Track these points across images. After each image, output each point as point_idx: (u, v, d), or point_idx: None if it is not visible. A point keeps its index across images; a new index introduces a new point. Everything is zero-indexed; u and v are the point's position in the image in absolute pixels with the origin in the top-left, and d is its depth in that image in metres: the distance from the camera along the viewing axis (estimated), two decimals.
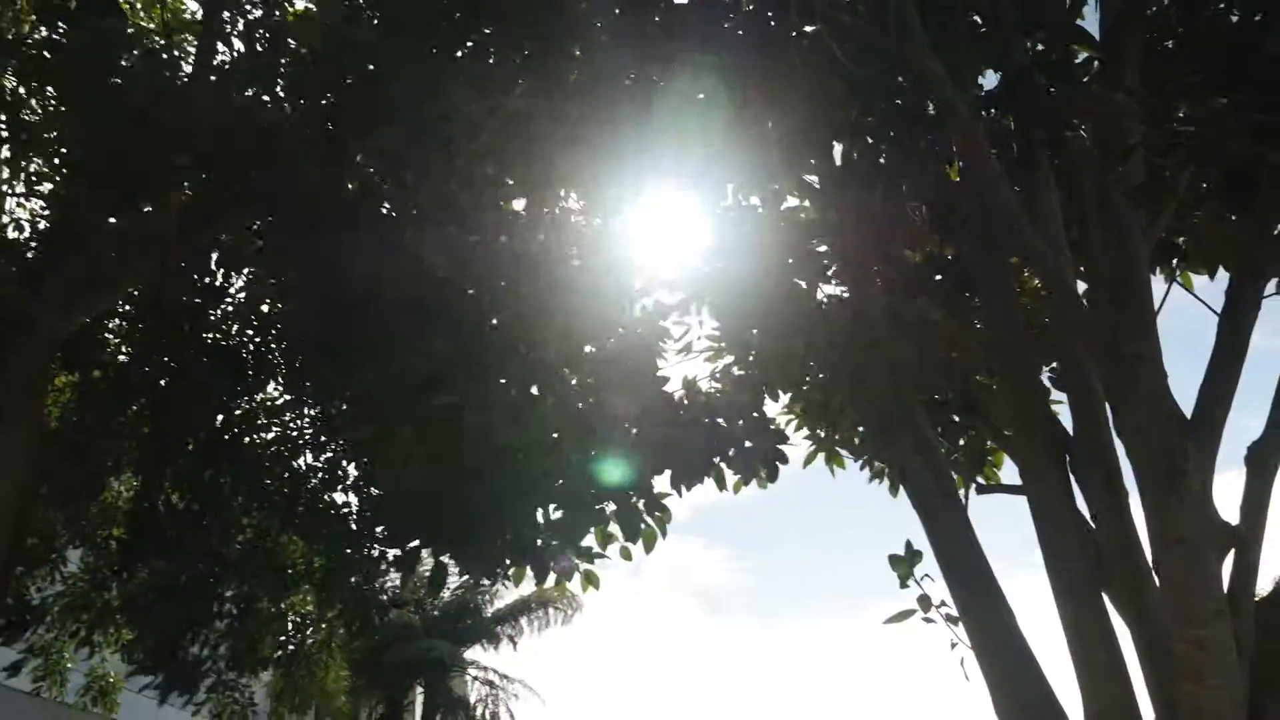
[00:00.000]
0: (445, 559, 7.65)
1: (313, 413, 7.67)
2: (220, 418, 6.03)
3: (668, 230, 7.36)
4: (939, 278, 6.71)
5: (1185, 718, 4.33)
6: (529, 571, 7.53)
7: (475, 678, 21.38)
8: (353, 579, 7.33)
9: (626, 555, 7.61)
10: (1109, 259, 4.89)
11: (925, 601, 5.71)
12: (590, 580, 7.80)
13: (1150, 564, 4.86)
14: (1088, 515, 5.23)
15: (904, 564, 5.52)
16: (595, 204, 6.73)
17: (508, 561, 7.69)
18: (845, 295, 7.15)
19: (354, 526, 6.89)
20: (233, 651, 7.14)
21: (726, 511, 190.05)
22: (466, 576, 21.22)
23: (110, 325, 5.99)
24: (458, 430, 5.85)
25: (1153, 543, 4.73)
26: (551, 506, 7.38)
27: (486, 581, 7.07)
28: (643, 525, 7.51)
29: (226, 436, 6.08)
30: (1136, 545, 4.94)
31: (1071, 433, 5.40)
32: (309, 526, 6.84)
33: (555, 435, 6.53)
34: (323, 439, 7.67)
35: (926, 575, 5.66)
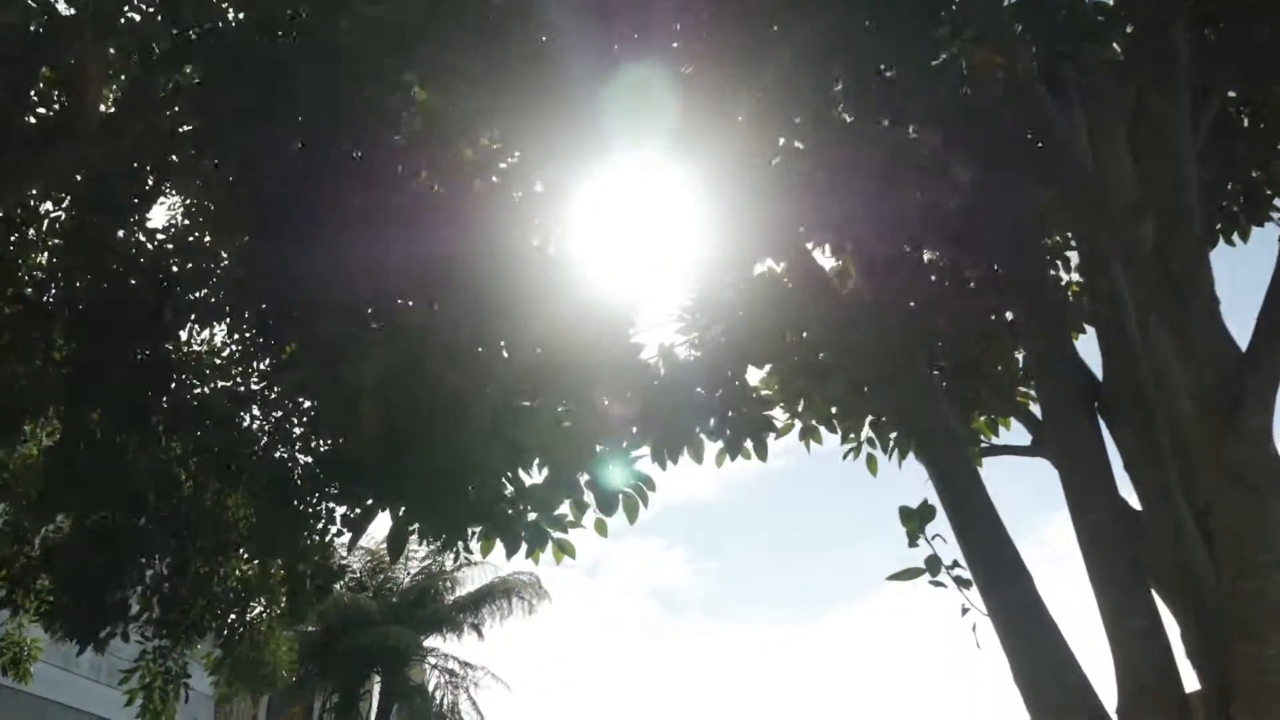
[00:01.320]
0: (404, 520, 7.06)
1: (264, 365, 7.03)
2: (151, 350, 5.38)
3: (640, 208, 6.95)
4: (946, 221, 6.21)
5: (1242, 683, 3.80)
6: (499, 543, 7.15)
7: (435, 665, 20.72)
8: (297, 540, 6.70)
9: (601, 529, 7.17)
10: (1152, 165, 4.36)
11: (935, 563, 5.16)
12: (565, 550, 7.36)
13: (1193, 515, 4.35)
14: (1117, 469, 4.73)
15: (914, 519, 4.96)
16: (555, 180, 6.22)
17: (474, 531, 7.24)
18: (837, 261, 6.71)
19: (299, 482, 6.23)
20: (163, 613, 6.48)
21: (688, 512, 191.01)
22: (428, 557, 20.61)
23: (22, 234, 5.33)
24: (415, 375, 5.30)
25: (1201, 489, 4.22)
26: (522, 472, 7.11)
27: (449, 551, 6.46)
28: (622, 495, 7.10)
29: (160, 370, 5.43)
30: (1176, 494, 4.42)
31: (1101, 377, 4.90)
32: (253, 485, 6.20)
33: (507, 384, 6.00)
34: (272, 396, 7.03)
35: (938, 535, 5.11)
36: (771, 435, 7.37)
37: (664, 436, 6.89)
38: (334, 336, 5.19)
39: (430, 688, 20.43)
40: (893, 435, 7.22)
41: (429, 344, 5.29)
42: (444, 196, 5.82)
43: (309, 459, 6.97)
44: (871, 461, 7.76)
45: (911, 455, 6.57)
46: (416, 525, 7.54)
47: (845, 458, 7.75)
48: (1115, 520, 4.55)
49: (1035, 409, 6.11)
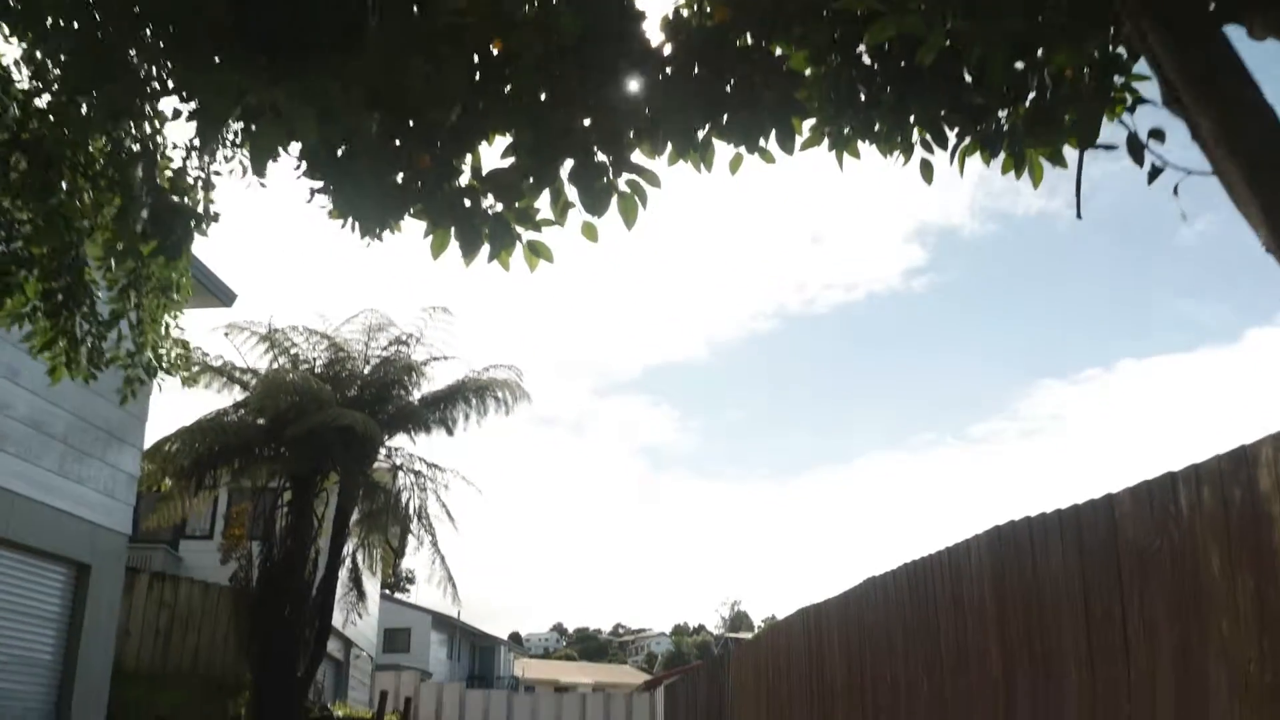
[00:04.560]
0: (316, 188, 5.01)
1: None
2: None
3: None
4: None
5: None
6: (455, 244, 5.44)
7: (400, 465, 19.04)
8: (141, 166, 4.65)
9: (590, 233, 5.39)
10: None
11: (1135, 143, 3.18)
12: (540, 254, 5.50)
13: None
14: None
15: None
16: None
17: (422, 221, 5.36)
18: None
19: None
20: None
21: (675, 371, 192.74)
22: (390, 345, 18.68)
23: None
24: None
25: None
26: (484, 147, 5.27)
27: (367, 239, 4.52)
28: (617, 192, 5.33)
29: None
30: None
31: None
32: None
33: None
34: None
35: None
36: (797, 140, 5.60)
37: (671, 129, 5.23)
38: None
39: (395, 489, 18.82)
40: (964, 136, 5.13)
41: None
42: None
43: None
44: (927, 169, 5.67)
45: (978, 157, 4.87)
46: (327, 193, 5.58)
47: (896, 159, 5.69)
48: None
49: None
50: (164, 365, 6.95)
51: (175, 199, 5.08)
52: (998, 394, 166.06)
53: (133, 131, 5.50)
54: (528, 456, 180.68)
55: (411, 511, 18.71)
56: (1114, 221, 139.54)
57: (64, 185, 5.63)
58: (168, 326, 6.66)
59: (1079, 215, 4.38)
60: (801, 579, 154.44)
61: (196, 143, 5.07)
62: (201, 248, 18.59)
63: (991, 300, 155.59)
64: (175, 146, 5.76)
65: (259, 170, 4.28)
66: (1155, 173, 3.39)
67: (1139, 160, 3.45)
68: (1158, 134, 3.39)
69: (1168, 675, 5.26)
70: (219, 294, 14.75)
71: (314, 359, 18.17)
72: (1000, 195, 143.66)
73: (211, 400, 25.09)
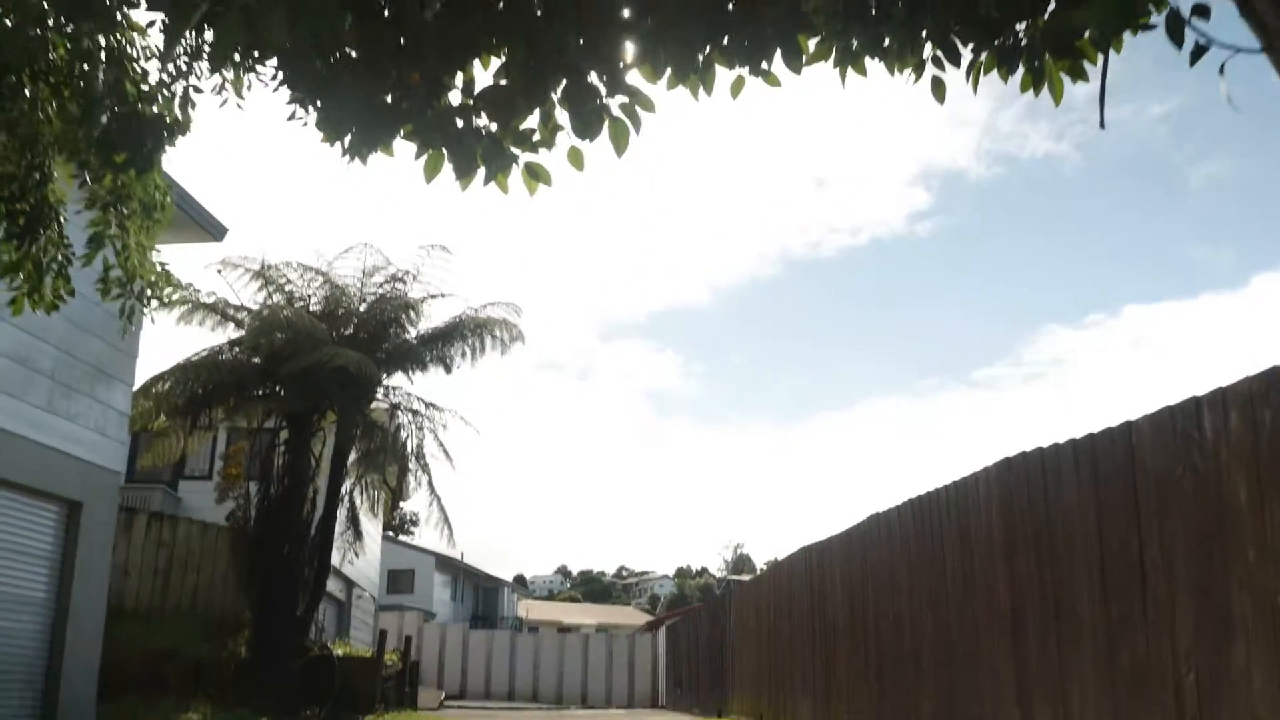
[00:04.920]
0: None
1: None
2: None
3: None
4: None
5: None
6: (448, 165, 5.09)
7: (398, 405, 18.79)
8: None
9: (577, 160, 5.05)
10: None
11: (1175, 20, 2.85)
12: (539, 177, 5.16)
13: None
14: None
15: None
16: None
17: (412, 143, 5.01)
18: None
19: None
20: None
21: (679, 317, 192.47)
22: (386, 283, 18.35)
23: None
24: None
25: None
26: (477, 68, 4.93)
27: (355, 160, 4.13)
28: (609, 116, 4.96)
29: None
30: None
31: None
32: None
33: None
34: None
35: None
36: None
37: (671, 47, 4.83)
38: None
39: (393, 428, 18.58)
40: (979, 51, 4.75)
41: None
42: None
43: None
44: (938, 87, 5.31)
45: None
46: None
47: (899, 76, 5.32)
48: None
49: None
50: (154, 294, 6.65)
51: (144, 108, 4.76)
52: (1001, 339, 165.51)
53: (98, 38, 5.16)
54: (533, 402, 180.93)
55: (409, 450, 18.49)
56: (1121, 166, 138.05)
57: (26, 94, 5.30)
58: (149, 251, 6.35)
59: (1102, 125, 4.04)
60: (804, 522, 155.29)
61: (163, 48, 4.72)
62: (190, 181, 18.06)
63: (996, 245, 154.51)
64: (146, 57, 5.43)
65: (218, 66, 3.95)
66: (1199, 52, 3.05)
67: (1179, 40, 3.11)
68: (1202, 10, 3.05)
69: (1188, 608, 5.02)
70: (209, 227, 14.38)
71: (309, 296, 17.83)
72: (1007, 138, 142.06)
73: (205, 339, 24.89)
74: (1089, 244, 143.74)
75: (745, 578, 33.86)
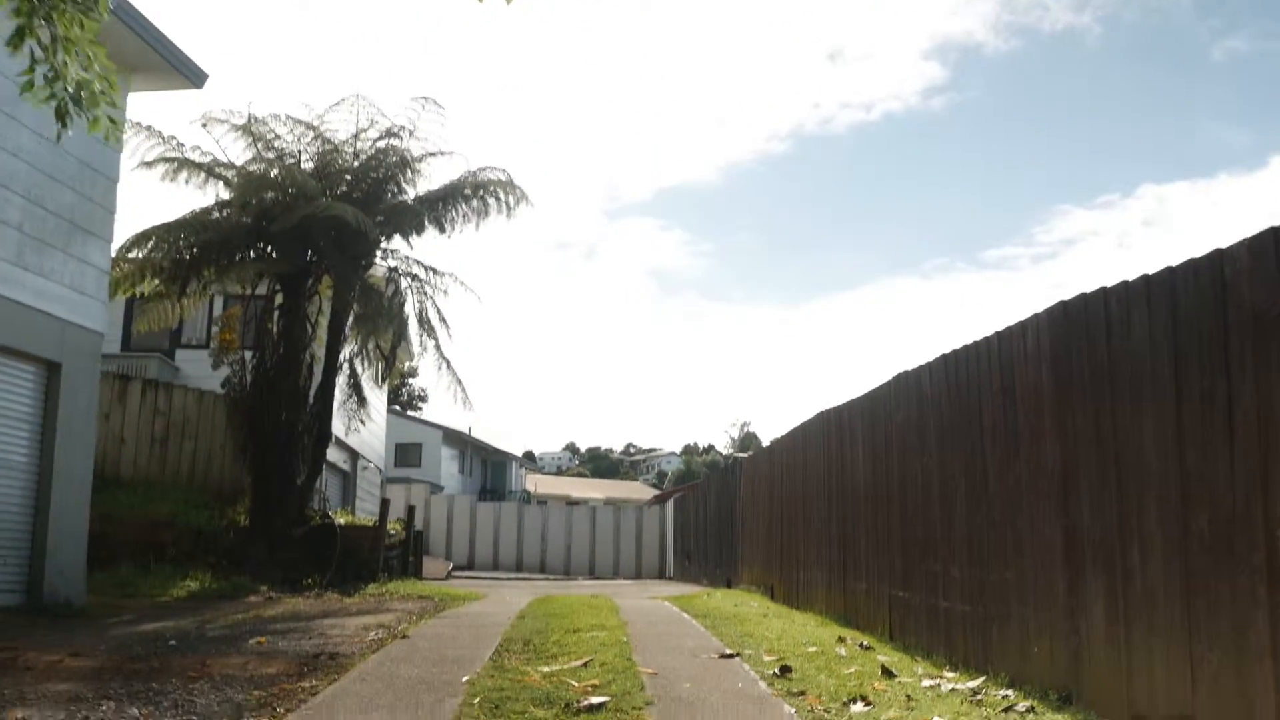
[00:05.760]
0: None
1: None
2: None
3: None
4: None
5: None
6: None
7: (395, 268, 18.00)
8: None
9: None
10: None
11: None
12: None
13: None
14: None
15: None
16: None
17: None
18: None
19: None
20: None
21: (686, 194, 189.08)
22: (382, 137, 17.35)
23: None
24: None
25: None
26: None
27: None
28: None
29: None
30: None
31: None
32: None
33: None
34: None
35: None
36: None
37: None
38: None
39: (390, 292, 17.83)
40: None
41: None
42: None
43: None
44: None
45: None
46: None
47: None
48: None
49: None
50: (89, 101, 5.79)
51: None
52: (1013, 219, 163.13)
53: None
54: (540, 281, 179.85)
55: (409, 314, 17.78)
56: (1142, 40, 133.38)
57: None
58: (85, 48, 5.49)
59: None
60: (809, 402, 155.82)
61: None
62: (167, 23, 16.78)
63: (1011, 122, 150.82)
64: None
65: None
66: None
67: None
68: None
69: None
70: (186, 72, 13.37)
71: (299, 152, 16.87)
72: (1027, 10, 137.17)
73: (192, 201, 23.94)
74: (1105, 121, 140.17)
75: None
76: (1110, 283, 5.79)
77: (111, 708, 5.67)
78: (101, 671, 6.88)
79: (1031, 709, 5.64)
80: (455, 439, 52.35)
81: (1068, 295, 6.23)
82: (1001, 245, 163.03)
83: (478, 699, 5.74)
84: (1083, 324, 5.98)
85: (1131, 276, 5.55)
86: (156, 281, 16.83)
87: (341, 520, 17.93)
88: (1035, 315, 6.61)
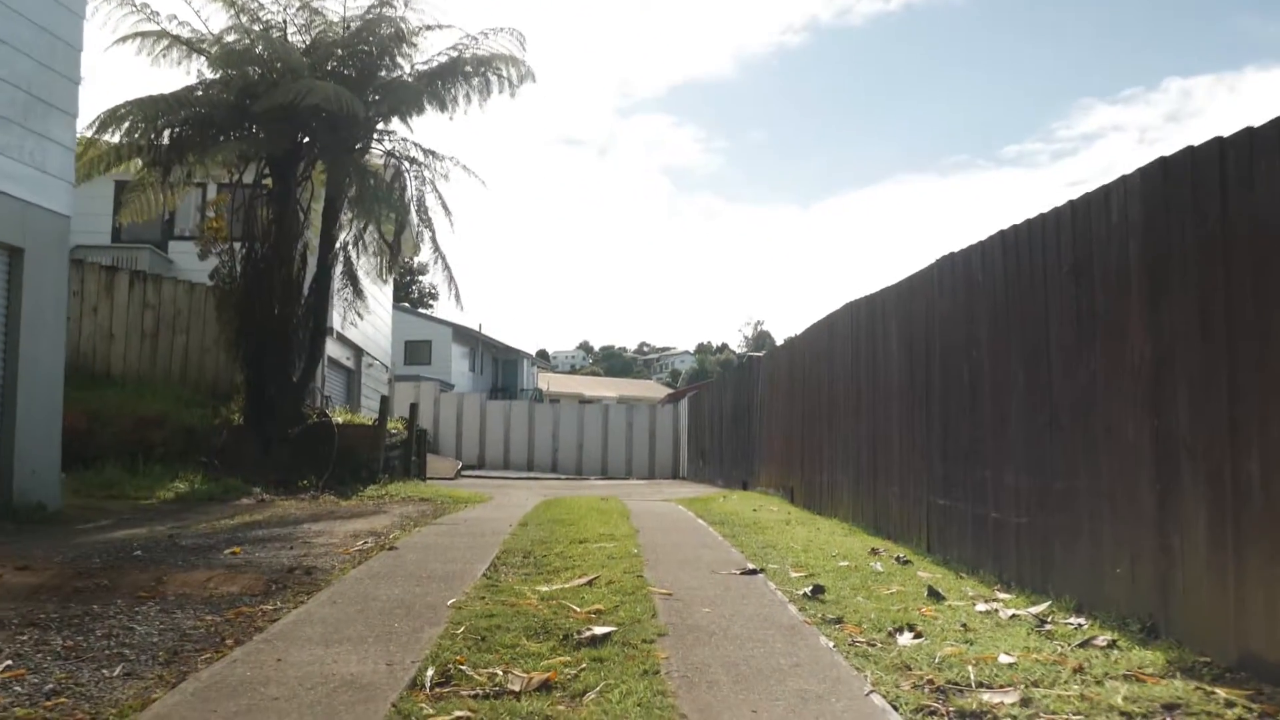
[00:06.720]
0: None
1: None
2: None
3: None
4: None
5: None
6: None
7: (392, 151, 16.83)
8: None
9: None
10: None
11: None
12: None
13: None
14: None
15: None
16: None
17: None
18: None
19: None
20: None
21: (699, 89, 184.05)
22: (370, 10, 16.04)
23: None
24: None
25: None
26: None
27: None
28: None
29: None
30: None
31: None
32: None
33: None
34: None
35: None
36: None
37: None
38: None
39: (388, 176, 16.70)
40: None
41: None
42: None
43: None
44: None
45: None
46: None
47: None
48: None
49: None
50: None
51: None
52: (1033, 114, 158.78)
53: None
54: (553, 178, 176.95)
55: (408, 199, 16.67)
56: None
57: None
58: None
59: None
60: (824, 300, 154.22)
61: None
62: None
63: (1036, 11, 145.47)
64: None
65: None
66: None
67: None
68: None
69: None
70: None
71: (284, 22, 15.56)
72: None
73: (175, 80, 22.60)
74: (1131, 12, 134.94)
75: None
76: (1228, 132, 4.71)
77: (34, 636, 4.84)
78: (40, 590, 6.08)
79: (1114, 643, 4.75)
80: (466, 336, 51.50)
81: (1145, 162, 5.16)
82: (1022, 140, 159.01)
83: (461, 629, 4.90)
84: (1188, 181, 4.92)
85: (1257, 122, 4.48)
86: (138, 164, 15.75)
87: (340, 419, 17.15)
88: (1123, 177, 5.54)
